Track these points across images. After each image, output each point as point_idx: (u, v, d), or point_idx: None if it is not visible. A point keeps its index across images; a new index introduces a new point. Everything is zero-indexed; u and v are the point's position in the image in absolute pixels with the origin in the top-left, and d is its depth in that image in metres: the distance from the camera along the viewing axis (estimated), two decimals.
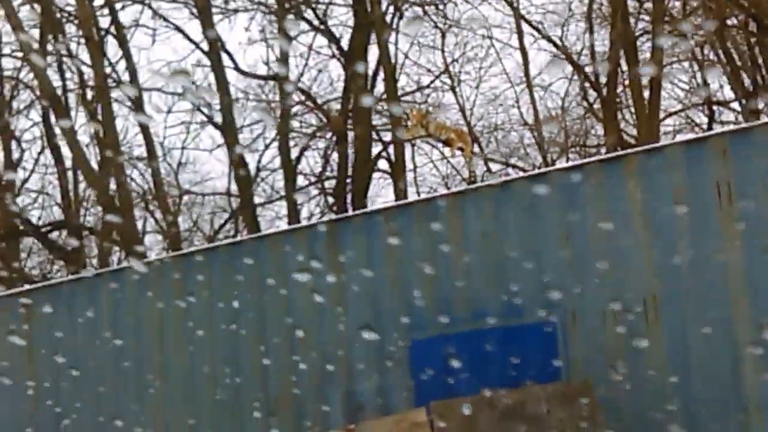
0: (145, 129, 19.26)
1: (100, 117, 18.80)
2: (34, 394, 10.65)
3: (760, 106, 18.14)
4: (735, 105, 20.29)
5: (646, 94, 17.88)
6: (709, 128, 19.47)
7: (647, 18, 19.15)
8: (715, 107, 20.75)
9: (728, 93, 20.54)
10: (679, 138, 18.06)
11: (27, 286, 13.83)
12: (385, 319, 8.89)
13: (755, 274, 7.48)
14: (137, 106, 19.17)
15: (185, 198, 22.42)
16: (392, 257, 9.04)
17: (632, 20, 18.71)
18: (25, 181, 21.80)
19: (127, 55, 18.91)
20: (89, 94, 19.53)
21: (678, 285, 7.72)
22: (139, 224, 20.75)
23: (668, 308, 7.78)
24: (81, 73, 19.28)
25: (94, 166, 19.05)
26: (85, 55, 19.14)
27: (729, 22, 18.23)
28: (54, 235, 20.83)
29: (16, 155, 21.29)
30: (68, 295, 10.89)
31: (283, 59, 18.85)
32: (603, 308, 8.02)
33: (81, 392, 10.44)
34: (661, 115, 19.44)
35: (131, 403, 10.21)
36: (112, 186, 18.79)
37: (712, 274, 7.58)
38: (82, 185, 21.04)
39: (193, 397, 9.98)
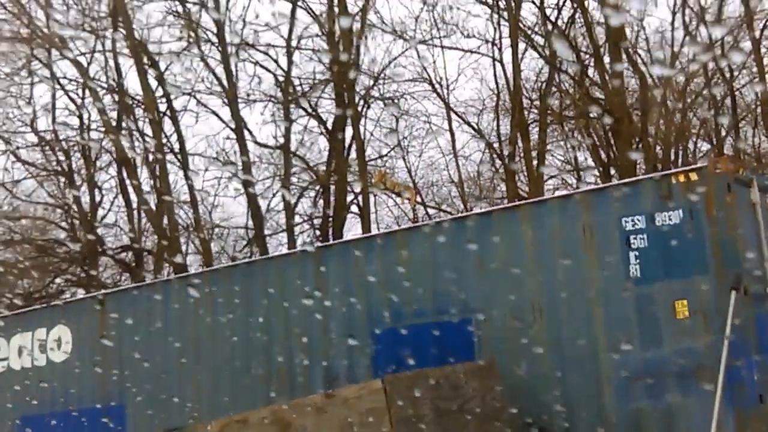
0: (189, 182, 19.10)
1: (157, 173, 18.64)
2: (117, 380, 10.39)
3: (612, 172, 18.30)
4: (595, 171, 20.50)
5: (535, 163, 18.02)
6: (577, 187, 19.64)
7: (536, 111, 19.36)
8: (581, 173, 20.95)
9: (590, 162, 20.77)
10: (557, 193, 18.25)
11: (104, 291, 13.56)
12: (354, 317, 8.79)
13: (608, 291, 7.48)
14: (184, 166, 19.01)
15: (216, 230, 22.22)
16: (360, 274, 8.95)
17: (526, 112, 18.89)
18: (104, 217, 21.51)
19: (177, 130, 18.81)
20: (150, 157, 19.37)
21: (556, 299, 7.68)
22: (183, 248, 20.48)
23: (550, 316, 7.73)
24: (145, 143, 19.15)
25: (153, 207, 18.84)
26: (148, 129, 19.03)
27: (591, 114, 18.45)
28: (123, 255, 20.55)
29: (98, 199, 21.05)
30: (144, 305, 10.48)
31: (287, 135, 18.80)
32: (504, 313, 7.97)
33: (149, 378, 10.15)
34: (545, 177, 19.61)
35: (185, 385, 9.95)
36: (165, 221, 18.58)
37: (579, 290, 7.57)
38: (143, 220, 20.80)
39: (226, 382, 9.70)
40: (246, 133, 18.32)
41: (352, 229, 21.13)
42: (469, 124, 21.11)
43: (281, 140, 19.09)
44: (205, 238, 20.24)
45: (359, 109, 19.04)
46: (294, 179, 19.95)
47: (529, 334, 7.67)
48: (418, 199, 21.86)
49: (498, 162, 20.21)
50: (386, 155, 21.61)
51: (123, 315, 10.38)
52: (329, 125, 19.02)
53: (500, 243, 8.01)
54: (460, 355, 7.79)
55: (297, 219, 20.01)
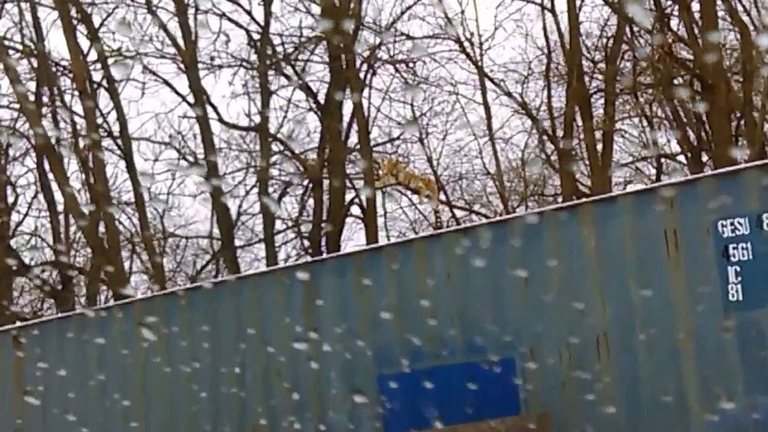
0: (133, 175, 19.14)
1: (91, 164, 18.73)
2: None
3: (704, 159, 18.29)
4: (681, 158, 20.46)
5: (599, 147, 18.00)
6: (657, 179, 19.63)
7: (600, 77, 19.34)
8: (663, 160, 20.94)
9: (675, 147, 20.75)
10: (630, 188, 18.22)
11: (20, 324, 13.63)
12: (357, 356, 8.81)
13: (700, 323, 7.47)
14: (127, 154, 19.07)
15: (170, 240, 22.30)
16: (364, 298, 8.99)
17: (587, 79, 18.87)
18: (19, 223, 21.62)
19: (117, 107, 18.86)
20: (81, 143, 19.45)
21: (630, 336, 7.69)
22: (126, 265, 20.56)
23: (618, 345, 7.75)
24: (74, 123, 19.21)
25: (84, 210, 18.93)
26: (78, 107, 19.10)
27: (676, 81, 18.43)
28: (45, 275, 20.65)
29: (11, 199, 21.13)
30: (74, 348, 10.64)
31: (264, 112, 18.85)
32: (558, 345, 7.99)
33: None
34: (613, 166, 19.57)
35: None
36: (101, 229, 18.66)
37: (661, 323, 7.56)
38: (72, 228, 20.89)
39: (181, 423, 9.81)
40: (209, 109, 18.43)
41: (354, 239, 21.20)
42: (510, 95, 21.07)
43: (256, 119, 19.18)
44: (156, 252, 20.33)
45: (362, 76, 19.09)
46: (274, 171, 20.05)
47: (595, 386, 7.67)
48: (442, 197, 21.88)
49: (550, 146, 20.20)
50: (399, 138, 21.67)
51: (49, 361, 10.43)
52: (321, 98, 19.10)
53: (553, 257, 8.02)
54: (500, 410, 7.83)
55: (279, 225, 20.10)
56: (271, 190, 19.42)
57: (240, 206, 20.27)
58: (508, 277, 8.11)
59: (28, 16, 19.15)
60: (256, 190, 19.65)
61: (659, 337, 7.57)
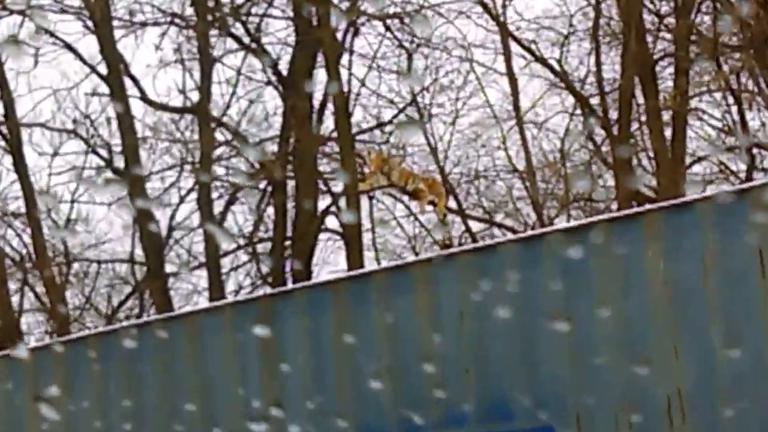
0: (24, 176, 19.12)
1: None
2: None
3: None
4: None
5: (668, 133, 18.04)
6: (749, 177, 19.66)
7: (669, 37, 19.38)
8: (755, 150, 20.99)
9: None
10: (711, 190, 18.24)
11: None
12: (337, 421, 8.82)
13: None
14: (13, 146, 19.06)
15: (75, 266, 22.26)
16: (344, 341, 9.00)
17: (650, 39, 18.92)
18: None
19: (1, 81, 18.85)
20: None
21: (710, 378, 7.70)
22: (15, 300, 20.53)
23: (698, 408, 7.76)
24: None
25: None
26: None
27: None
28: None
29: None
30: None
31: (205, 87, 18.86)
32: (615, 409, 8.00)
33: None
34: (688, 160, 19.62)
35: None
36: None
37: (751, 378, 7.57)
38: None
39: None
40: (128, 84, 18.42)
41: (330, 262, 21.20)
42: (544, 62, 21.13)
43: (194, 97, 19.19)
44: (55, 280, 20.29)
45: (339, 37, 19.11)
46: (220, 169, 20.06)
47: None
48: (451, 203, 21.92)
49: (600, 132, 20.26)
50: (391, 122, 21.69)
51: None
52: (284, 69, 19.12)
53: (604, 286, 8.05)
54: None
55: (226, 244, 20.11)
56: (215, 195, 19.44)
57: (172, 218, 20.30)
58: (543, 317, 8.10)
59: None
60: (194, 195, 19.65)
61: (751, 412, 7.58)
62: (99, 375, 9.93)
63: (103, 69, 18.44)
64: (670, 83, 18.70)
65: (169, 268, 19.69)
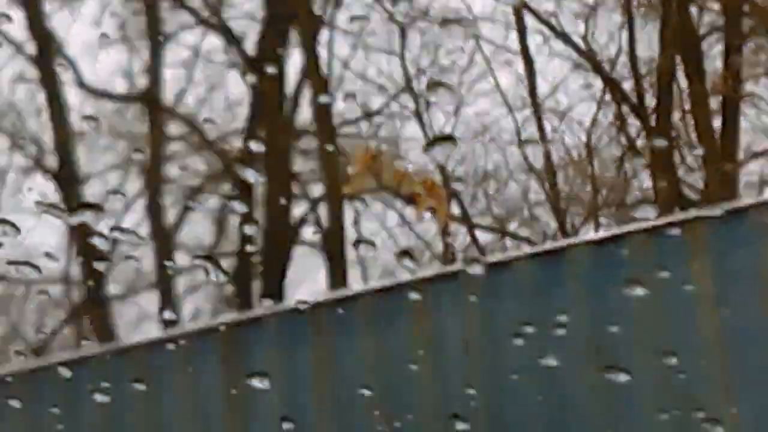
0: None
1: None
2: None
3: None
4: None
5: (718, 124, 18.08)
6: None
7: (717, 7, 19.44)
8: None
9: None
10: None
11: None
12: None
13: None
14: None
15: None
16: (325, 376, 9.07)
17: (694, 11, 18.98)
18: None
19: None
20: None
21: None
22: None
23: None
24: None
25: None
26: None
27: None
28: None
29: None
30: None
31: (154, 70, 18.90)
32: None
33: None
34: (741, 156, 19.67)
35: None
36: None
37: None
38: None
39: None
40: (63, 66, 18.41)
41: (307, 280, 21.22)
42: (566, 38, 21.22)
43: (143, 81, 19.23)
44: None
45: (317, 10, 19.16)
46: (173, 170, 20.07)
47: None
48: (454, 209, 21.99)
49: (635, 123, 20.31)
50: (380, 112, 21.78)
51: None
52: (250, 48, 19.18)
53: (640, 313, 8.04)
54: None
55: (181, 259, 20.15)
56: (168, 201, 19.47)
57: (116, 229, 20.27)
58: (566, 349, 8.11)
59: None
60: (142, 201, 19.68)
61: None
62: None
63: (32, 49, 18.45)
64: (719, 63, 18.74)
65: (112, 290, 19.74)
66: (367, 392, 8.70)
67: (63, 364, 10.66)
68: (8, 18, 18.08)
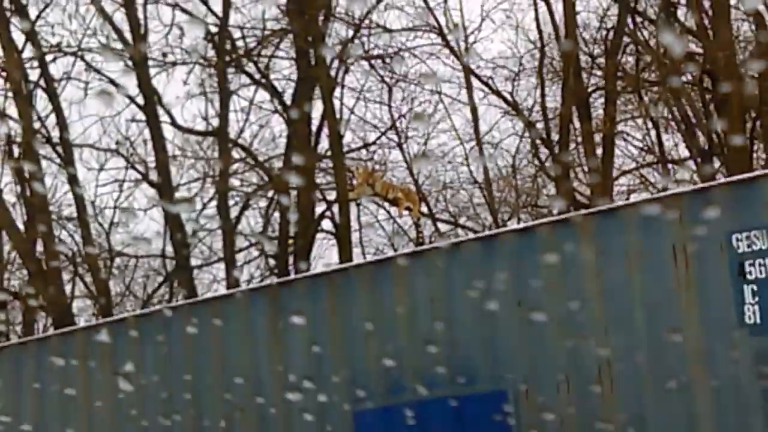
0: (75, 187, 19.05)
1: (27, 174, 18.63)
2: None
3: (716, 165, 18.38)
4: (691, 164, 20.54)
5: (599, 151, 18.06)
6: (664, 188, 19.69)
7: (599, 74, 19.41)
8: (670, 166, 21.03)
9: (683, 151, 20.83)
10: (634, 198, 18.29)
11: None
12: (329, 388, 8.81)
13: (712, 347, 7.50)
14: (67, 163, 18.98)
15: (117, 260, 22.17)
16: (336, 325, 9.01)
17: (584, 76, 18.95)
18: None
19: (56, 109, 18.76)
20: (16, 151, 19.34)
21: (636, 361, 7.71)
22: (68, 288, 20.42)
23: (623, 378, 7.77)
24: (8, 128, 19.11)
25: (20, 226, 18.80)
26: (12, 109, 18.98)
27: (684, 78, 18.53)
28: None
29: None
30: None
31: (223, 114, 18.81)
32: (557, 376, 8.01)
33: None
34: (615, 173, 19.65)
35: None
36: (39, 248, 18.54)
37: (670, 348, 7.58)
38: (6, 247, 20.76)
39: None
40: (161, 112, 18.37)
41: (325, 257, 21.18)
42: (498, 94, 21.15)
43: (215, 123, 19.14)
44: (101, 272, 20.21)
45: (332, 73, 19.11)
46: (235, 181, 20.01)
47: (597, 415, 7.69)
48: (424, 209, 21.90)
49: (544, 151, 20.27)
50: (374, 143, 21.71)
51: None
52: (287, 99, 19.10)
53: (548, 276, 8.06)
54: None
55: (240, 242, 20.04)
56: (231, 202, 19.38)
57: (196, 221, 20.20)
58: (499, 300, 8.11)
59: None
60: (214, 203, 19.58)
61: (668, 365, 7.60)
62: (165, 353, 9.86)
63: (140, 100, 18.37)
64: (601, 111, 18.71)
65: (193, 261, 19.67)
66: (367, 326, 8.73)
67: (168, 309, 10.62)
68: (117, 85, 18.08)
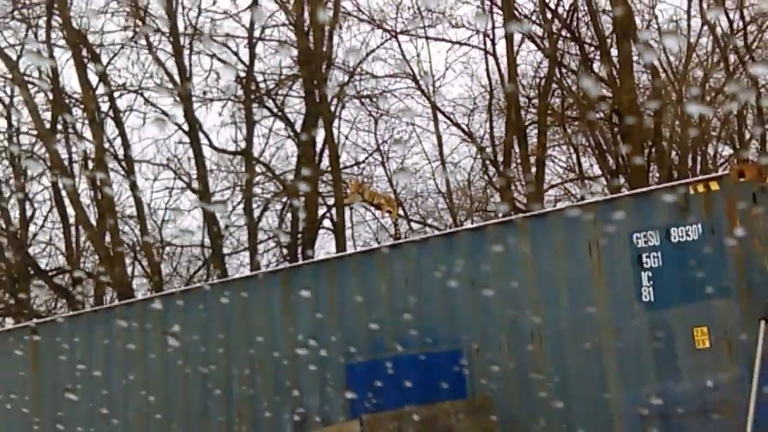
0: (135, 192, 18.99)
1: (98, 182, 18.55)
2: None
3: (621, 181, 18.45)
4: (602, 180, 20.62)
5: (534, 170, 18.10)
6: (582, 198, 19.74)
7: (534, 111, 19.47)
8: (586, 182, 21.08)
9: (596, 170, 20.90)
10: (559, 206, 18.34)
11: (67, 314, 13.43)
12: (328, 346, 8.79)
13: (617, 318, 7.53)
14: (129, 174, 18.91)
15: (167, 249, 22.08)
16: (333, 299, 8.98)
17: (523, 112, 18.99)
18: (36, 234, 21.33)
19: (122, 133, 18.70)
20: (90, 165, 19.27)
21: (560, 327, 7.73)
22: (129, 270, 20.32)
23: (550, 341, 7.79)
24: (84, 148, 19.04)
25: (93, 222, 18.71)
26: (87, 133, 18.88)
27: (598, 114, 18.60)
28: (58, 279, 20.39)
29: (29, 213, 20.90)
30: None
31: (249, 138, 18.78)
32: (500, 339, 8.02)
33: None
34: (545, 186, 19.69)
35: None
36: (107, 239, 18.46)
37: (585, 317, 7.61)
38: (82, 238, 20.66)
39: (179, 407, 9.78)
40: (201, 136, 18.30)
41: (325, 247, 21.13)
42: (458, 125, 21.18)
43: (242, 145, 19.09)
44: (155, 258, 20.12)
45: (332, 108, 19.08)
46: (257, 190, 19.94)
47: (529, 375, 7.70)
48: (400, 212, 21.89)
49: (491, 169, 20.29)
50: (364, 162, 21.69)
51: (87, 364, 10.32)
52: (298, 127, 19.06)
53: (494, 263, 8.06)
54: (450, 395, 7.80)
55: (261, 236, 19.98)
56: (254, 206, 19.33)
57: (228, 219, 20.14)
58: (456, 281, 8.12)
59: (45, 55, 18.91)
60: (241, 206, 19.54)
61: (585, 331, 7.63)
62: (203, 318, 9.78)
63: (186, 127, 18.31)
64: (535, 139, 18.76)
65: (225, 250, 19.58)
66: (357, 299, 8.72)
67: (207, 285, 10.57)
68: (168, 116, 18.01)
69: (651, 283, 7.31)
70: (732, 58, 19.35)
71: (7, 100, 19.98)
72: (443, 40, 20.86)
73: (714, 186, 7.21)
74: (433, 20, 20.50)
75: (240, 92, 19.16)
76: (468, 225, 18.31)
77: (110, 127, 19.00)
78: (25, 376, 10.82)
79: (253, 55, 18.60)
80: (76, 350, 10.49)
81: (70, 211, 19.53)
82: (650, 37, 19.64)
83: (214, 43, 18.74)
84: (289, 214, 19.47)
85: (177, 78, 18.08)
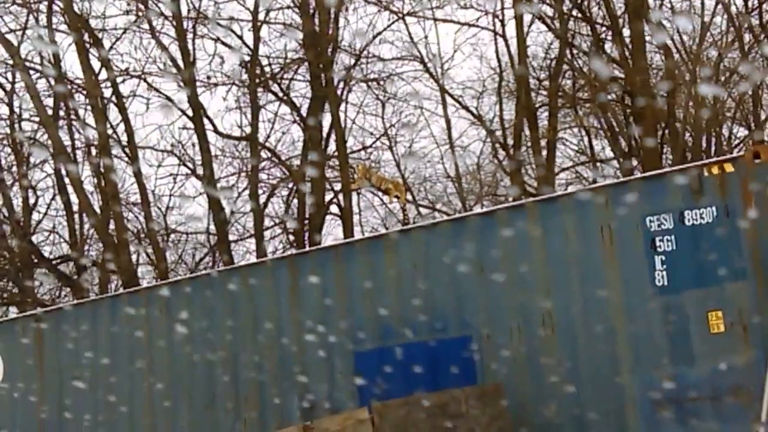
0: (139, 179, 19.03)
1: (102, 169, 18.61)
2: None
3: (634, 164, 18.41)
4: (614, 163, 20.58)
5: (544, 153, 18.08)
6: (594, 181, 19.73)
7: (545, 93, 19.42)
8: (598, 164, 21.04)
9: (609, 153, 20.86)
10: (571, 189, 18.31)
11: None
12: (337, 332, 8.83)
13: (630, 302, 7.54)
14: (133, 160, 18.96)
15: (172, 236, 22.16)
16: (341, 285, 9.00)
17: (533, 94, 18.94)
18: (39, 222, 21.43)
19: (125, 119, 18.73)
20: (93, 151, 19.32)
21: (571, 312, 7.74)
22: (133, 258, 20.41)
23: (562, 326, 7.81)
24: (87, 134, 19.08)
25: (97, 209, 18.78)
26: (90, 119, 18.94)
27: (609, 96, 18.55)
28: (62, 267, 20.49)
29: (32, 200, 20.99)
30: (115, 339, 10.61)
31: (254, 123, 18.80)
32: (510, 326, 8.03)
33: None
34: (556, 170, 19.65)
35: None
36: (111, 226, 18.53)
37: (597, 302, 7.62)
38: (86, 225, 20.74)
39: (183, 392, 9.85)
40: (206, 121, 18.33)
41: (332, 233, 21.19)
42: (467, 108, 21.11)
43: (247, 130, 19.10)
44: (159, 246, 20.19)
45: (339, 92, 19.07)
46: (263, 175, 19.98)
47: (541, 353, 7.73)
48: (409, 197, 21.89)
49: (501, 153, 20.27)
50: (371, 146, 21.69)
51: (94, 352, 10.40)
52: (303, 112, 19.06)
53: (505, 248, 8.08)
54: (459, 381, 7.84)
55: (267, 222, 20.03)
56: (260, 192, 19.37)
57: (233, 206, 20.20)
58: (466, 266, 8.15)
59: (46, 40, 18.95)
60: (247, 192, 19.56)
61: (597, 317, 7.64)
62: (211, 305, 9.83)
63: (190, 112, 18.33)
64: (546, 122, 18.73)
65: (231, 237, 19.65)
66: (366, 285, 8.73)
67: (215, 272, 10.60)
68: (171, 101, 18.00)
69: (664, 266, 7.32)
70: (747, 37, 19.22)
71: (8, 86, 20.04)
72: (452, 21, 20.77)
73: (728, 168, 7.20)
74: (441, 1, 20.43)
75: (245, 76, 19.17)
76: (477, 210, 18.33)
77: (113, 113, 19.06)
78: (31, 364, 10.91)
79: (257, 39, 18.60)
80: (82, 338, 10.56)
81: (74, 198, 19.64)
82: (663, 16, 19.53)
83: (218, 26, 18.77)
84: (295, 200, 19.51)
85: (180, 62, 18.08)
